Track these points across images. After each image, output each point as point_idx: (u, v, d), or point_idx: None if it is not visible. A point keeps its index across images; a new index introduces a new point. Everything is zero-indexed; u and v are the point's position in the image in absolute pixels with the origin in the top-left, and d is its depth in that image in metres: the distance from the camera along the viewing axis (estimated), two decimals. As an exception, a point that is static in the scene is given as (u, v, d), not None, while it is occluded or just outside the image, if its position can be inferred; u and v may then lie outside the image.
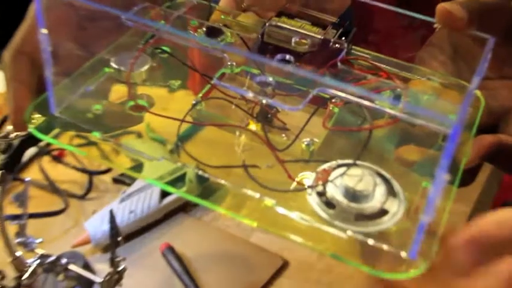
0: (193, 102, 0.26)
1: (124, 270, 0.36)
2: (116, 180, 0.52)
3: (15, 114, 0.24)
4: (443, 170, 0.19)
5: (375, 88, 0.27)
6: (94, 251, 0.45)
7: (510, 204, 0.67)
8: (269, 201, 0.23)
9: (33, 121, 0.23)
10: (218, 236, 0.46)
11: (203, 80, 0.26)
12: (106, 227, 0.43)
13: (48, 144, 0.54)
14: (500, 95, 0.28)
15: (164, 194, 0.47)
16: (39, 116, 0.23)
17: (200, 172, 0.23)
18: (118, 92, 0.26)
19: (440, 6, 0.25)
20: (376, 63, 0.29)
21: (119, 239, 0.38)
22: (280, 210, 0.23)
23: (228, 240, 0.46)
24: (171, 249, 0.44)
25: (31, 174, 0.51)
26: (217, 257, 0.45)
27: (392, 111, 0.22)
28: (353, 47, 0.30)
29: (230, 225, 0.48)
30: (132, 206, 0.45)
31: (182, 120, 0.24)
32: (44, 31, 0.22)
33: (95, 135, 0.24)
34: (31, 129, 0.23)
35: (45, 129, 0.24)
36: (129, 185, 0.49)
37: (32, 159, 0.53)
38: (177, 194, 0.49)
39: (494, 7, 0.29)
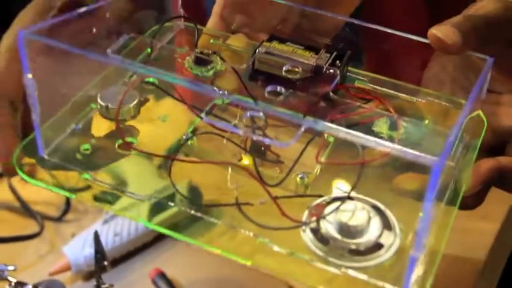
0: (184, 137, 0.26)
1: (111, 299, 0.35)
2: (97, 199, 0.50)
3: (6, 159, 0.24)
4: (428, 205, 0.19)
5: (369, 117, 0.27)
6: (75, 278, 0.42)
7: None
8: (263, 240, 0.24)
9: (23, 166, 0.24)
10: (214, 261, 0.43)
11: (191, 113, 0.27)
12: (88, 251, 0.40)
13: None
14: (505, 112, 0.28)
15: (153, 214, 0.45)
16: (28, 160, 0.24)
17: (193, 212, 0.24)
18: (104, 125, 0.26)
19: (431, 33, 0.25)
20: (374, 87, 0.29)
21: (105, 263, 0.36)
22: (275, 248, 0.23)
23: (226, 265, 0.43)
24: (162, 275, 0.41)
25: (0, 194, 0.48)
26: (214, 285, 0.43)
27: (382, 143, 0.23)
28: (350, 68, 0.30)
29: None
30: (117, 228, 0.43)
31: (173, 158, 0.25)
32: (30, 76, 0.22)
33: (85, 177, 0.24)
34: (22, 175, 0.24)
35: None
36: (112, 204, 0.48)
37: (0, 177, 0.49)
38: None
39: (495, 20, 0.28)
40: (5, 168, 0.25)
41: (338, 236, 0.24)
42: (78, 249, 0.42)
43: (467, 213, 0.45)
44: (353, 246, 0.24)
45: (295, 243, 0.24)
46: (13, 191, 0.48)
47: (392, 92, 0.29)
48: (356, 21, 0.29)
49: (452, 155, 0.25)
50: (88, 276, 0.42)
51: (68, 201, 0.49)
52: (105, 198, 0.52)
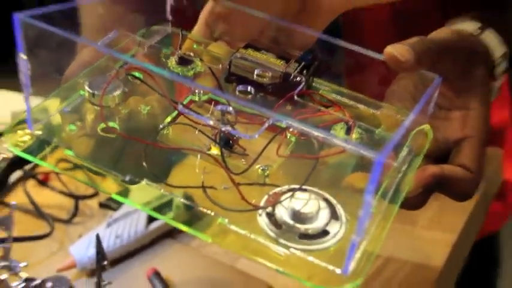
0: (160, 126, 0.31)
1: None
2: (102, 205, 0.56)
3: None
4: (369, 197, 0.24)
5: (328, 121, 0.32)
6: (80, 275, 0.48)
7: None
8: (222, 220, 0.28)
9: (19, 144, 0.28)
10: (205, 262, 0.50)
11: (170, 106, 0.31)
12: (92, 251, 0.46)
13: (34, 168, 0.58)
14: (451, 126, 0.34)
15: (151, 220, 0.51)
16: (27, 137, 0.28)
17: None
18: (92, 113, 0.31)
19: (387, 50, 0.31)
20: (335, 97, 0.34)
21: (105, 263, 0.41)
22: (232, 227, 0.28)
23: (215, 266, 0.50)
24: (157, 274, 0.47)
25: (16, 198, 0.55)
26: (203, 283, 0.49)
27: (337, 142, 0.27)
28: (316, 79, 0.35)
29: (218, 251, 0.51)
30: (118, 231, 0.49)
31: (149, 143, 0.29)
32: (23, 56, 0.27)
33: (68, 153, 0.29)
34: (18, 152, 0.28)
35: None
36: (115, 210, 0.53)
37: (16, 183, 0.57)
38: (163, 219, 0.54)
39: (447, 44, 0.34)
40: None
41: (290, 222, 0.28)
42: (83, 249, 0.48)
43: (427, 224, 0.49)
44: (302, 231, 0.28)
45: (252, 226, 0.28)
46: (28, 195, 0.55)
47: (353, 102, 0.34)
48: (325, 37, 0.34)
49: (397, 158, 0.30)
50: (91, 273, 0.48)
51: (76, 205, 0.56)
52: (109, 205, 0.57)
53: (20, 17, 0.27)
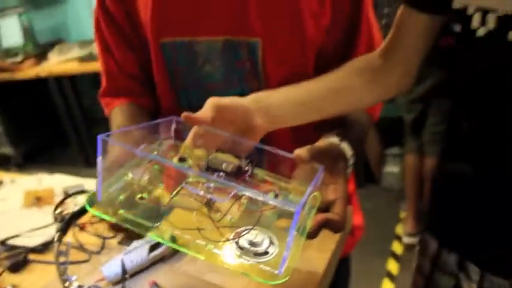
0: (171, 195, 0.54)
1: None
2: (119, 243, 0.85)
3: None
4: (292, 231, 0.49)
5: (265, 191, 0.57)
6: (108, 284, 0.74)
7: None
8: (210, 246, 0.51)
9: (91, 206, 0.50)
10: (184, 276, 0.75)
11: (176, 184, 0.55)
12: (116, 269, 0.73)
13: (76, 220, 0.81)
14: (329, 193, 0.60)
15: (151, 251, 0.77)
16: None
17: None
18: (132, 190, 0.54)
19: (295, 152, 0.58)
20: (267, 178, 0.60)
21: (126, 276, 0.68)
22: (215, 250, 0.51)
23: (191, 278, 0.74)
24: (156, 284, 0.72)
25: (68, 237, 0.80)
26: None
27: (271, 201, 0.53)
28: (257, 168, 0.61)
29: (191, 269, 0.75)
30: (131, 258, 0.75)
31: (165, 206, 0.53)
32: (100, 159, 0.50)
33: (120, 212, 0.51)
34: (91, 210, 0.50)
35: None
36: (127, 246, 0.80)
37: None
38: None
39: (322, 150, 0.63)
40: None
41: (248, 246, 0.52)
42: (110, 269, 0.74)
43: (316, 246, 0.75)
44: (255, 251, 0.52)
45: (227, 249, 0.52)
46: (75, 236, 0.84)
47: (276, 180, 0.61)
48: (259, 145, 0.61)
49: (304, 209, 0.56)
50: (115, 283, 0.74)
51: (103, 243, 0.86)
52: (124, 242, 0.80)
53: (102, 138, 0.50)
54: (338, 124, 0.72)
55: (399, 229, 2.58)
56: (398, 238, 2.52)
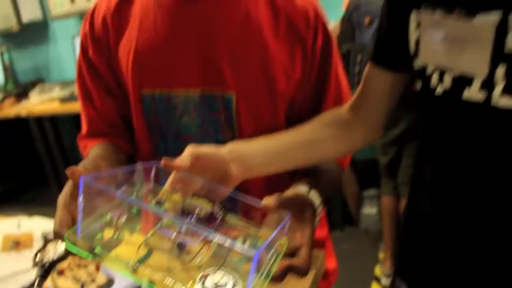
0: (146, 237, 0.59)
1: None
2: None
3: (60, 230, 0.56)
4: (252, 275, 0.53)
5: (234, 236, 0.62)
6: None
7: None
8: (178, 285, 0.55)
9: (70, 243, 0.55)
10: None
11: (152, 225, 0.60)
12: None
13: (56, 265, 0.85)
14: (295, 239, 0.64)
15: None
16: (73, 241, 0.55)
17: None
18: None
19: (263, 201, 0.63)
20: (237, 223, 0.65)
21: None
22: (183, 290, 0.55)
23: None
24: None
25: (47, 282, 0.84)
26: None
27: (238, 247, 0.57)
28: (229, 214, 0.66)
29: None
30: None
31: (139, 246, 0.57)
32: (81, 200, 0.56)
33: (97, 250, 0.56)
34: (69, 247, 0.54)
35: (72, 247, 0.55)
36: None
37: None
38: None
39: (289, 198, 0.68)
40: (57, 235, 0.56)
41: (213, 285, 0.56)
42: None
43: None
44: (219, 290, 0.56)
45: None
46: (53, 281, 0.84)
47: (246, 226, 0.65)
48: (232, 193, 0.66)
49: (269, 254, 0.60)
50: None
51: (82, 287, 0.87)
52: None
53: (84, 179, 0.56)
54: (310, 173, 0.78)
55: (378, 270, 2.56)
56: (378, 279, 2.50)
